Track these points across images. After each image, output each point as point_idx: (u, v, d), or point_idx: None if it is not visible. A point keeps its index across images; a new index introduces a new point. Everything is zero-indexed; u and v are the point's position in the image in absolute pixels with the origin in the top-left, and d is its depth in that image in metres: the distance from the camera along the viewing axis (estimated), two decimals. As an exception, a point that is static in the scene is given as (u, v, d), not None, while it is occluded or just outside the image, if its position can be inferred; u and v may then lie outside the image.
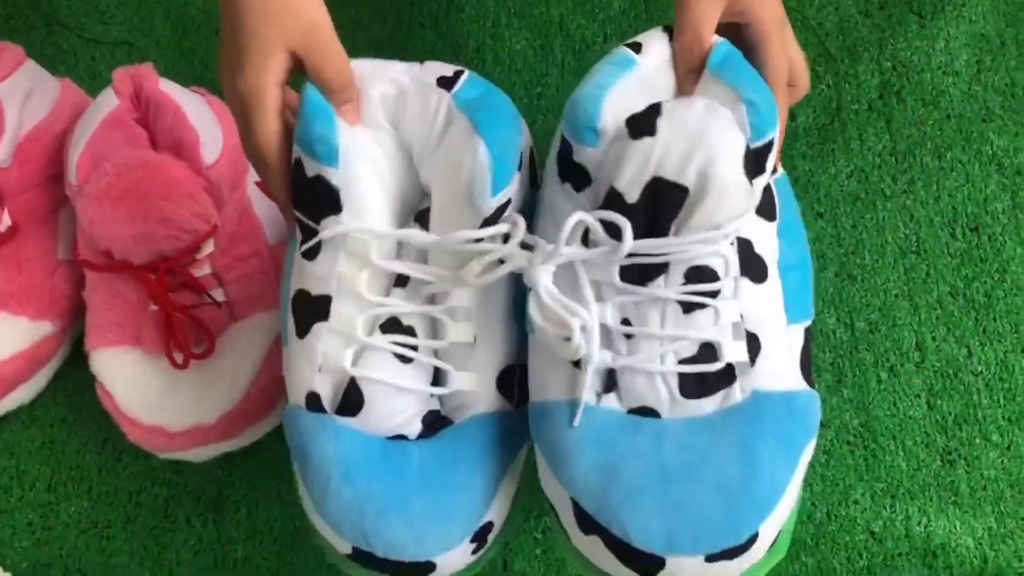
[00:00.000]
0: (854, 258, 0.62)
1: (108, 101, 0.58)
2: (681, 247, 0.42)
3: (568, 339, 0.42)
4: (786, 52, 0.47)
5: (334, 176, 0.45)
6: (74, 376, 0.62)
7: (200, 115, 0.58)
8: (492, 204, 0.45)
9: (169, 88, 0.59)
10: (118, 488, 0.60)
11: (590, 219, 0.42)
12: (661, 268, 0.43)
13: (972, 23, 0.67)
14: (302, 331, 0.47)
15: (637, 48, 0.46)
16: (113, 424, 0.59)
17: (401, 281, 0.47)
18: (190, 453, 0.58)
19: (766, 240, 0.45)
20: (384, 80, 0.47)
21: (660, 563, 0.40)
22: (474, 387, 0.47)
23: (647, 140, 0.41)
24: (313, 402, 0.47)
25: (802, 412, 0.44)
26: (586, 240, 0.43)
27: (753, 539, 0.40)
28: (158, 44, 0.73)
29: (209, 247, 0.58)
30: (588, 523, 0.42)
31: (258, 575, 0.58)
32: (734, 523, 0.40)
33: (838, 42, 0.68)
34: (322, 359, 0.47)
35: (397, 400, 0.46)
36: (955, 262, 0.61)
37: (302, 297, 0.47)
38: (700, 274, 0.43)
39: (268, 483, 0.60)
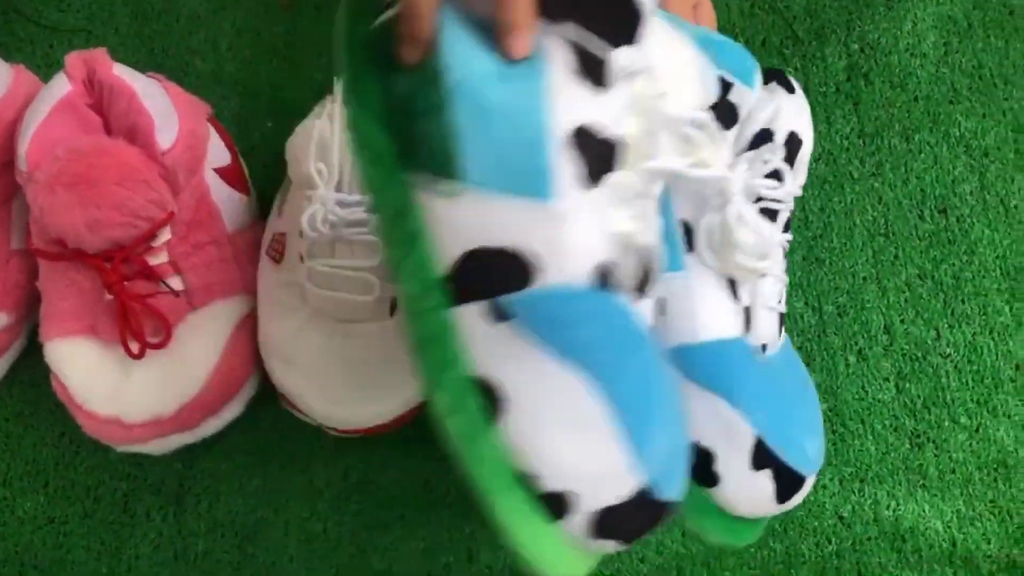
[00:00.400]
0: (822, 241, 0.61)
1: (60, 86, 0.57)
2: (794, 196, 0.47)
3: (752, 267, 0.44)
4: None
5: None
6: (30, 369, 0.61)
7: (155, 100, 0.57)
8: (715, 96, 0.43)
9: (123, 73, 0.57)
10: (75, 482, 0.59)
11: (780, 167, 0.46)
12: (775, 213, 0.46)
13: (939, 5, 0.67)
14: (593, 177, 0.34)
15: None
16: (70, 417, 0.57)
17: None
18: (149, 445, 0.56)
19: None
20: None
21: (801, 484, 0.45)
22: None
23: (794, 97, 0.48)
24: (603, 278, 0.34)
25: None
26: None
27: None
28: (117, 31, 0.72)
29: (166, 234, 0.56)
30: (766, 458, 0.43)
31: (219, 569, 0.56)
32: (824, 444, 0.47)
33: (805, 25, 0.67)
34: (615, 224, 0.35)
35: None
36: (923, 244, 0.61)
37: (588, 135, 0.34)
38: (787, 224, 0.48)
39: (230, 475, 0.58)
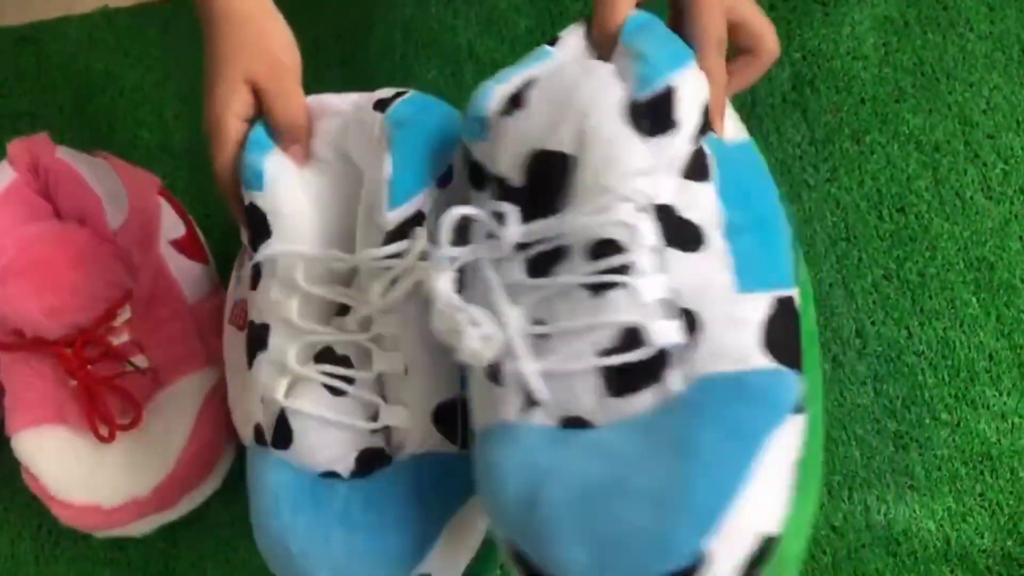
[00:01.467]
0: (785, 251, 0.61)
1: (5, 175, 0.56)
2: (573, 222, 0.37)
3: (472, 350, 0.39)
4: (721, 14, 0.43)
5: (261, 200, 0.47)
6: (1, 463, 0.60)
7: (102, 179, 0.57)
8: (391, 219, 0.43)
9: (67, 155, 0.57)
10: (58, 575, 0.58)
11: (471, 211, 0.39)
12: (562, 252, 0.38)
13: (874, 6, 0.67)
14: (250, 361, 0.48)
15: (553, 42, 0.44)
16: (46, 509, 0.56)
17: (343, 309, 0.46)
18: (129, 528, 0.56)
19: (697, 203, 0.39)
20: (328, 114, 0.48)
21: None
22: (405, 422, 0.45)
23: (517, 113, 0.39)
24: (258, 434, 0.47)
25: (760, 393, 0.36)
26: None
27: (700, 559, 0.33)
28: (61, 111, 0.71)
29: (126, 313, 0.56)
30: (521, 561, 0.37)
31: (211, 648, 0.55)
32: (668, 540, 0.33)
33: (746, 38, 0.68)
34: (262, 390, 0.46)
35: (326, 434, 0.46)
36: (885, 244, 0.61)
37: (252, 327, 0.48)
38: (605, 249, 0.37)
39: (215, 550, 0.57)
